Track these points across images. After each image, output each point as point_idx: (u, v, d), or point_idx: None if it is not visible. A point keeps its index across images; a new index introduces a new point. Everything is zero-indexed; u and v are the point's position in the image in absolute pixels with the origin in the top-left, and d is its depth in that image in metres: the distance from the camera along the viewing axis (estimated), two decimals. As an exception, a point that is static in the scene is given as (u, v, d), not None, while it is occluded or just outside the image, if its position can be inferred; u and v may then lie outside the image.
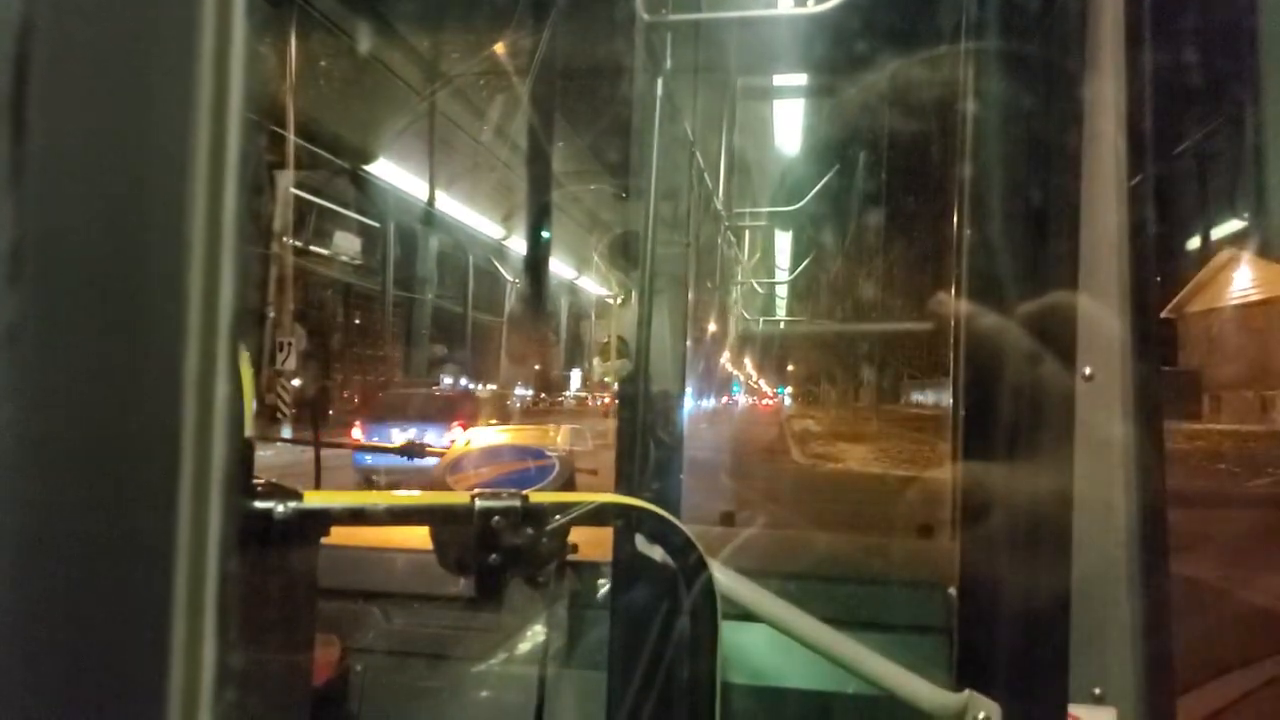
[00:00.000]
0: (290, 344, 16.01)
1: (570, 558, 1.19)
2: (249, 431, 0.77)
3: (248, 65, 0.27)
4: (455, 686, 1.29)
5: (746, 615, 1.18)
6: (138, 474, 0.26)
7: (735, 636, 1.16)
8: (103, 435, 0.25)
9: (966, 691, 0.87)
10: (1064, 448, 0.89)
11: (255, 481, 0.79)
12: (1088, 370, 0.89)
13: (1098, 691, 0.90)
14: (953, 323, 1.46)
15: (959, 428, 0.96)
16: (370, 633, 1.33)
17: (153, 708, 0.26)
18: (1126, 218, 0.87)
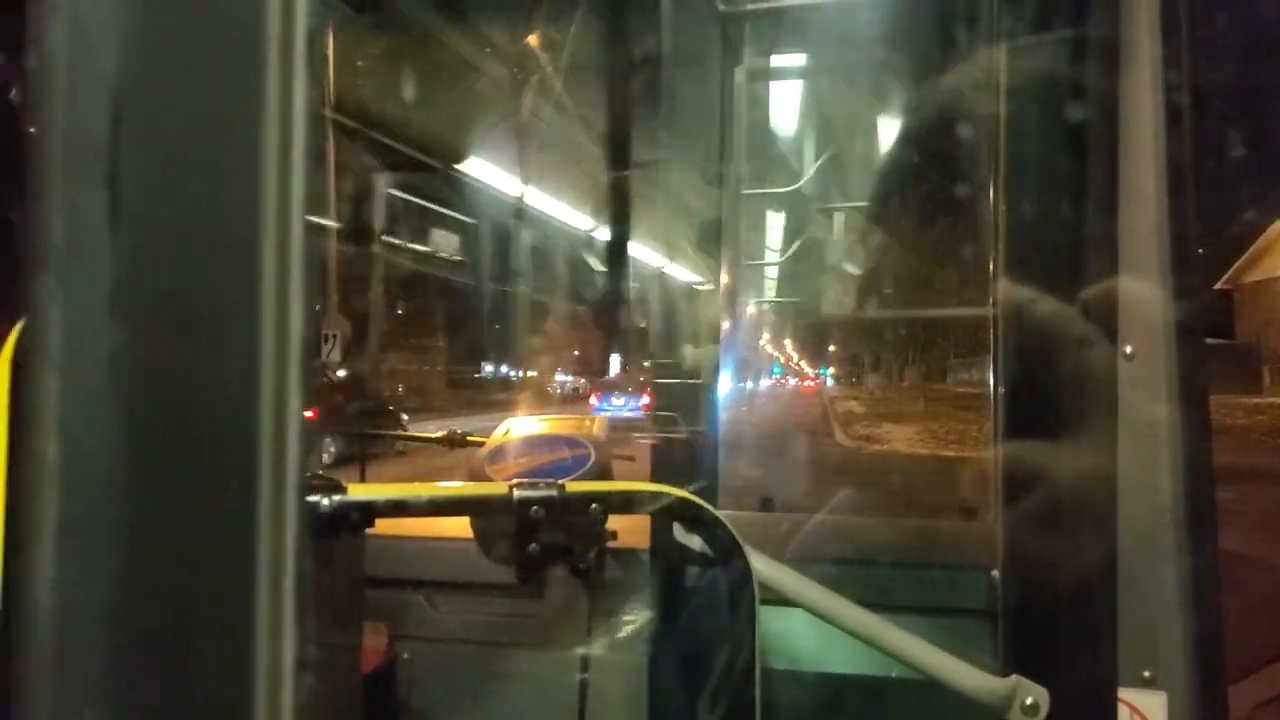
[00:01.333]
0: (335, 336, 16.22)
1: (610, 545, 1.20)
2: None
3: (311, 111, 0.31)
4: (499, 673, 1.31)
5: (785, 601, 1.18)
6: (221, 477, 0.29)
7: (774, 622, 1.17)
8: (193, 442, 0.29)
9: (1014, 677, 0.86)
10: (1107, 428, 0.88)
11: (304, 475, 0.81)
12: (1129, 349, 0.89)
13: (1147, 675, 0.89)
14: (992, 304, 1.49)
15: (1000, 409, 0.94)
16: (416, 621, 1.35)
17: (240, 690, 0.30)
18: (1166, 192, 0.86)
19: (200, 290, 0.29)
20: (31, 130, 0.27)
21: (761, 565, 0.98)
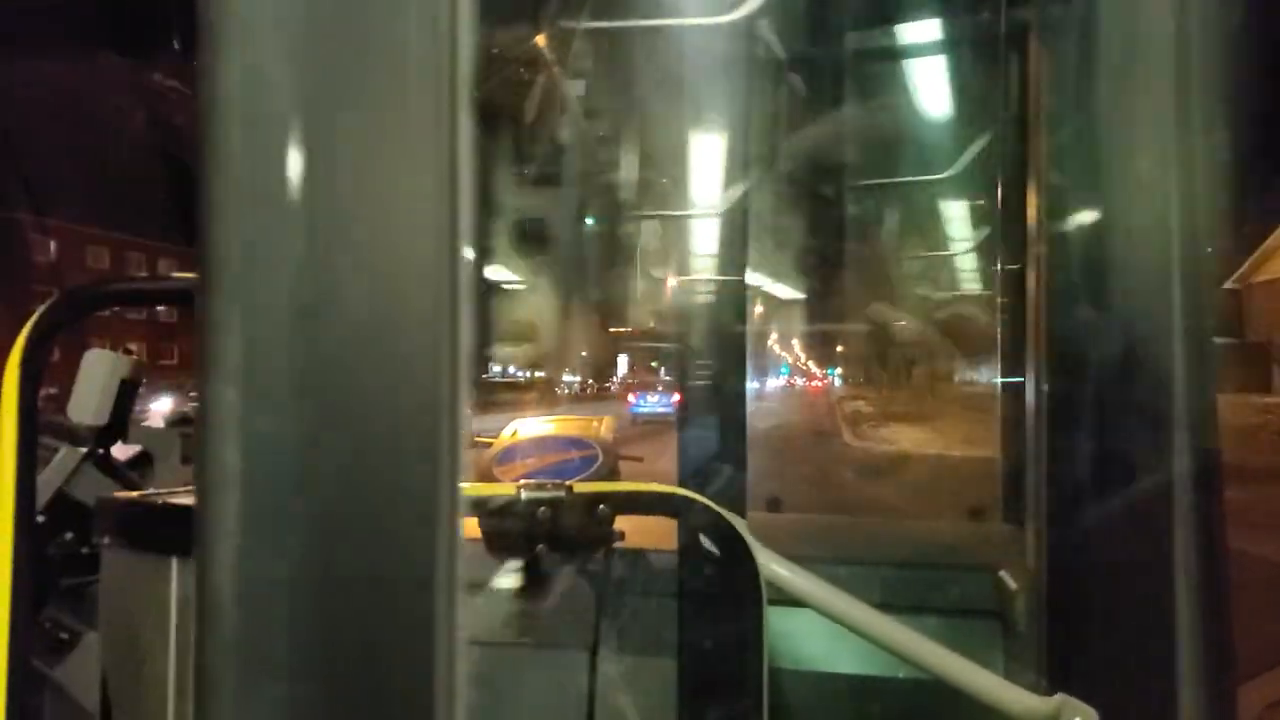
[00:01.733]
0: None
1: (617, 545, 1.23)
2: None
3: (469, 132, 0.33)
4: (507, 673, 1.32)
5: (793, 601, 1.21)
6: (396, 481, 0.31)
7: (782, 622, 1.18)
8: (368, 448, 0.30)
9: (1059, 696, 0.83)
10: (1155, 429, 0.84)
11: None
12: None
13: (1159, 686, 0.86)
14: (1000, 308, 1.48)
15: (1039, 414, 0.93)
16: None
17: (423, 684, 0.32)
18: (1175, 191, 0.84)
19: (374, 304, 0.30)
20: (195, 148, 0.29)
21: (769, 565, 0.98)
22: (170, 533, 0.85)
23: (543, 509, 0.89)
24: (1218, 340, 0.87)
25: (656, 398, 26.23)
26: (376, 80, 0.30)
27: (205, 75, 0.29)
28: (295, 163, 0.28)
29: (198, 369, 0.29)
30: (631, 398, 28.60)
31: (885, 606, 1.12)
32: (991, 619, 1.17)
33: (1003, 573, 1.16)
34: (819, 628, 1.21)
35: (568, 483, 0.92)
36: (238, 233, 0.29)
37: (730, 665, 1.01)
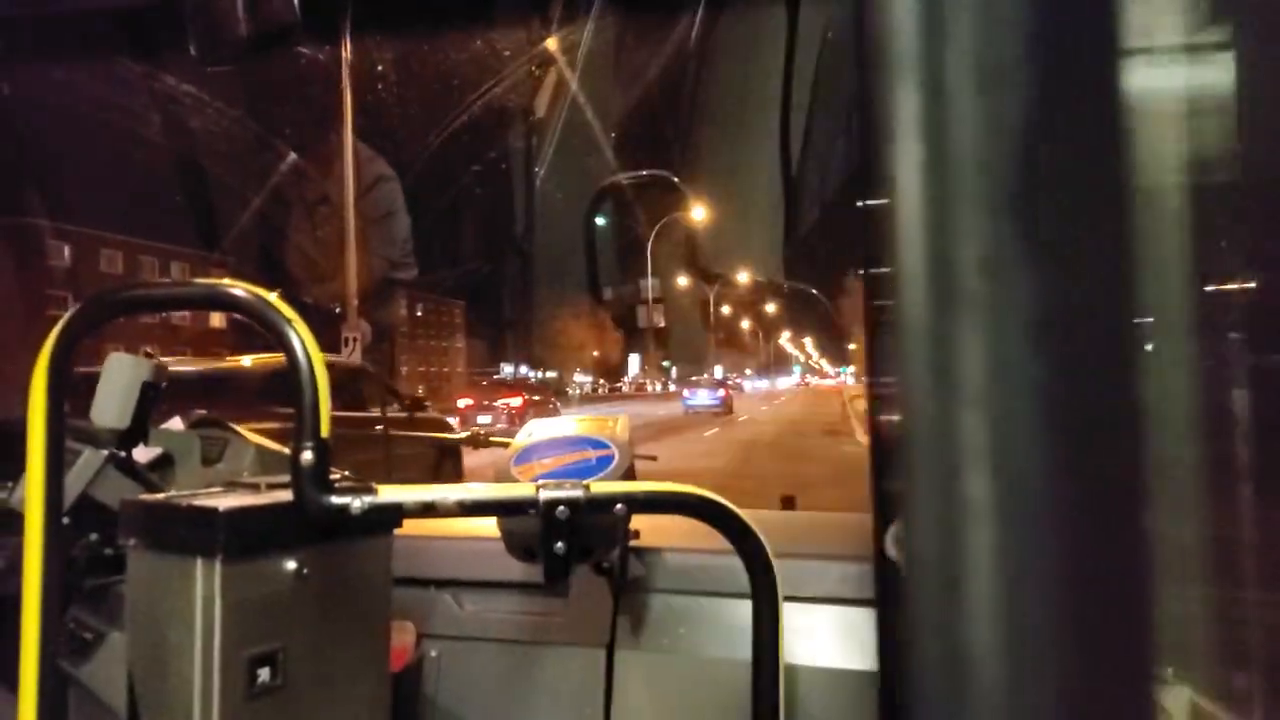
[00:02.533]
0: (355, 339, 16.35)
1: (633, 544, 1.23)
2: (324, 432, 0.83)
3: None
4: (525, 671, 1.33)
5: (813, 597, 1.21)
6: (1141, 498, 0.28)
7: (797, 619, 1.19)
8: (1119, 470, 0.28)
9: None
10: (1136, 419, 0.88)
11: (333, 477, 0.84)
12: (1148, 345, 0.90)
13: (1170, 671, 0.89)
14: None
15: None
16: (443, 619, 1.37)
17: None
18: (1186, 186, 0.86)
19: (1116, 317, 0.29)
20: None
21: (785, 563, 0.99)
22: (195, 534, 0.86)
23: (561, 508, 0.89)
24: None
25: (706, 394, 30.74)
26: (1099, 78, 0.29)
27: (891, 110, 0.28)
28: (1029, 169, 0.27)
29: (901, 382, 0.28)
30: (686, 393, 33.05)
31: (895, 601, 1.14)
32: None
33: None
34: (833, 624, 1.23)
35: (586, 482, 0.92)
36: (975, 242, 0.27)
37: (747, 662, 1.02)
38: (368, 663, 1.01)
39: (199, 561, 0.85)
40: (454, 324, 66.11)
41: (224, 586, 0.85)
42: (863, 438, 18.76)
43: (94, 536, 1.07)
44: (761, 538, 0.97)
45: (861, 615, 1.23)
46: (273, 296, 0.86)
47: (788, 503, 2.11)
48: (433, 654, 1.34)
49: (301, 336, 0.83)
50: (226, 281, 0.87)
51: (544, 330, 64.25)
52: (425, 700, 1.33)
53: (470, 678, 1.34)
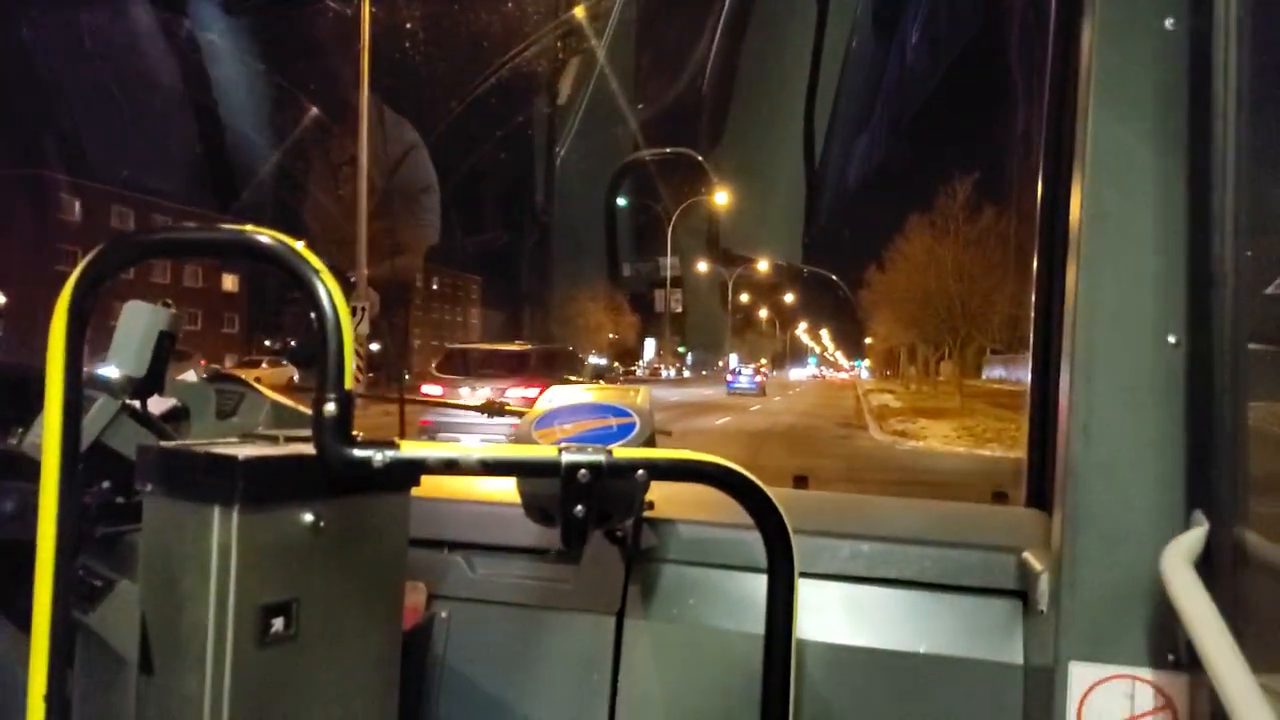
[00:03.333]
0: (364, 309, 16.27)
1: (647, 514, 1.25)
2: (350, 385, 0.82)
3: None
4: (535, 634, 1.33)
5: (824, 574, 1.23)
6: None
7: (810, 594, 1.22)
8: None
9: None
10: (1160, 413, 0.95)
11: (355, 433, 0.84)
12: (1172, 338, 0.95)
13: (1172, 658, 0.94)
14: (1035, 299, 1.52)
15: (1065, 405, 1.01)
16: (455, 581, 1.37)
17: None
18: (1222, 190, 0.88)
19: None
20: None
21: (801, 539, 1.00)
22: (214, 481, 0.86)
23: (583, 471, 0.89)
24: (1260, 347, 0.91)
25: (746, 380, 38.70)
26: None
27: None
28: None
29: None
30: (729, 377, 40.66)
31: (909, 582, 1.21)
32: (1014, 598, 1.19)
33: (1027, 554, 1.16)
34: (844, 601, 1.24)
35: (609, 447, 0.92)
36: None
37: (759, 635, 1.03)
38: (380, 619, 1.01)
39: (216, 509, 0.85)
40: (469, 298, 66.14)
41: (240, 535, 0.85)
42: (878, 433, 18.62)
43: (106, 484, 1.07)
44: (782, 511, 0.97)
45: (869, 593, 1.24)
46: (300, 245, 0.84)
47: (800, 482, 2.15)
48: (443, 615, 1.35)
49: (329, 287, 0.82)
50: (253, 228, 0.86)
51: (561, 310, 64.18)
52: (434, 660, 1.34)
53: (480, 640, 1.35)
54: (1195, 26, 0.94)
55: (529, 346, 15.68)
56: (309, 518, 0.90)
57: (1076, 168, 1.00)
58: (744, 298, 76.70)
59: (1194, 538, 0.89)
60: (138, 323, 1.13)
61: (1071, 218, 1.01)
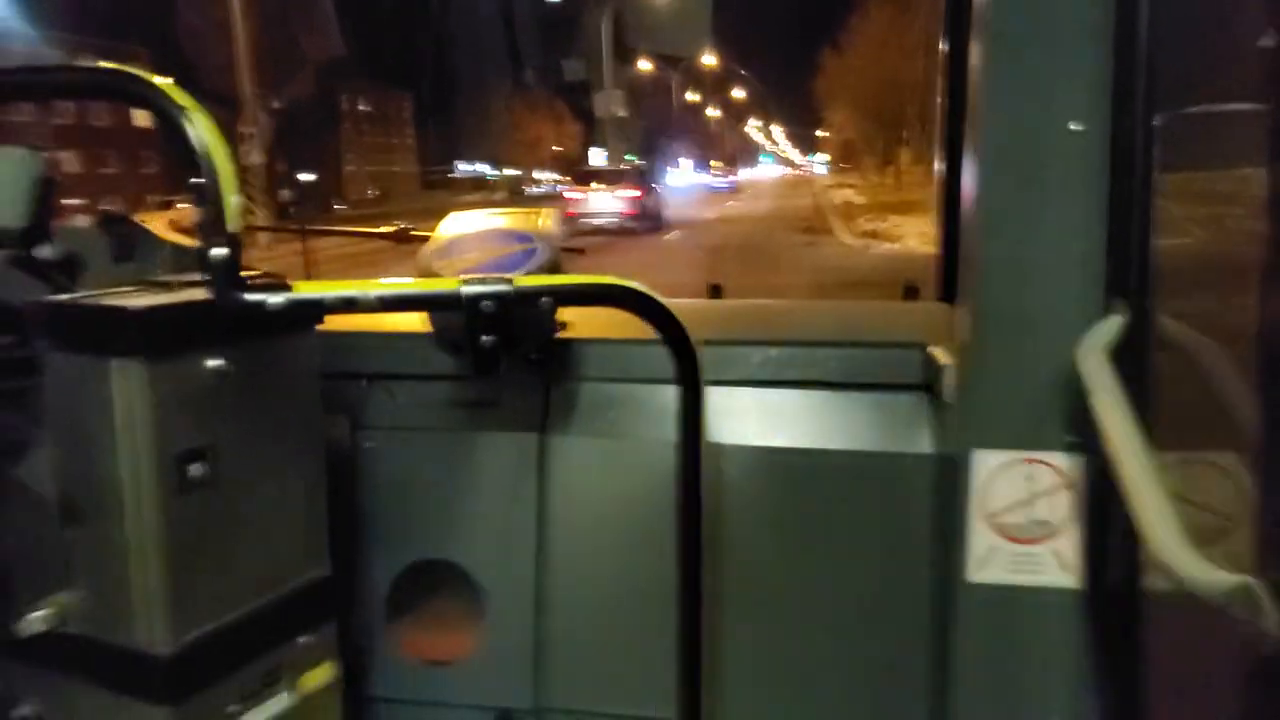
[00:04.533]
0: (252, 134, 13.97)
1: (561, 335, 1.28)
2: (235, 227, 0.80)
3: None
4: (460, 458, 1.33)
5: (735, 380, 1.27)
6: None
7: (724, 401, 1.24)
8: None
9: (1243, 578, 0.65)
10: None
11: (246, 274, 0.84)
12: (1075, 125, 0.94)
13: (1070, 440, 1.00)
14: None
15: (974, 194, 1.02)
16: (376, 411, 1.35)
17: None
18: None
19: None
20: None
21: (709, 349, 1.02)
22: (109, 335, 0.86)
23: (486, 302, 0.89)
24: None
25: (723, 180, 47.41)
26: None
27: None
28: None
29: None
30: (708, 177, 48.63)
31: (818, 383, 1.25)
32: (922, 392, 1.21)
33: (933, 348, 1.17)
34: (757, 405, 1.27)
35: (510, 275, 0.92)
36: None
37: (673, 443, 1.03)
38: (301, 455, 1.04)
39: (114, 362, 0.85)
40: (402, 118, 61.98)
41: (143, 386, 0.85)
42: (847, 236, 16.76)
43: (8, 338, 1.01)
44: (684, 324, 0.98)
45: (780, 395, 1.26)
46: (167, 82, 0.81)
47: (715, 291, 2.08)
48: (368, 445, 1.34)
49: (200, 125, 0.79)
50: (111, 65, 0.82)
51: (498, 124, 60.58)
52: (364, 488, 1.33)
53: (406, 465, 1.34)
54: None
55: (620, 167, 21.08)
56: (212, 363, 0.90)
57: None
58: (691, 97, 73.08)
59: (1111, 325, 0.91)
60: (8, 170, 1.09)
61: (975, 5, 0.99)
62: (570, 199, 18.27)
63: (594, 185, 18.64)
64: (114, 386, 0.84)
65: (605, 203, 18.03)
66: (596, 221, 17.08)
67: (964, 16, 1.38)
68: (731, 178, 49.05)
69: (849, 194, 28.80)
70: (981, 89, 0.97)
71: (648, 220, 18.61)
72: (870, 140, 38.95)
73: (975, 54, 0.99)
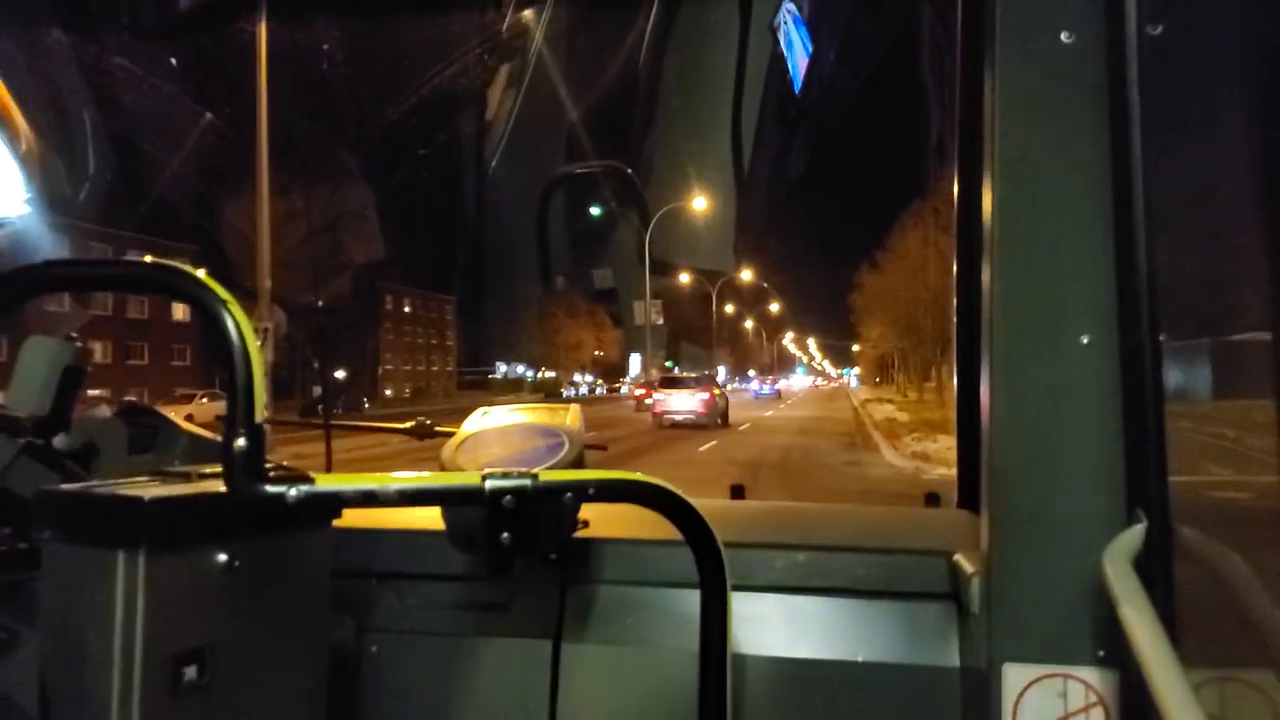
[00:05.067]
0: (267, 330, 13.52)
1: (580, 534, 1.22)
2: (261, 417, 0.79)
3: None
4: (469, 664, 1.28)
5: (759, 586, 1.23)
6: None
7: (745, 607, 1.21)
8: None
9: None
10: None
11: (267, 465, 0.82)
12: (1085, 338, 0.96)
13: (1102, 654, 0.95)
14: (957, 304, 1.58)
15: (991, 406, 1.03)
16: (384, 613, 1.31)
17: None
18: (1127, 190, 0.93)
19: None
20: None
21: (734, 553, 1.01)
22: (116, 525, 0.85)
23: (508, 498, 0.87)
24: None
25: (767, 388, 48.50)
26: None
27: None
28: None
29: None
30: (755, 385, 50.35)
31: (844, 590, 1.21)
32: (948, 601, 1.19)
33: (958, 556, 1.14)
34: (780, 612, 1.23)
35: (533, 470, 0.89)
36: None
37: (695, 651, 1.00)
38: (302, 659, 1.01)
39: (120, 554, 0.83)
40: (444, 320, 63.42)
41: (147, 580, 0.83)
42: (893, 455, 15.51)
43: (7, 530, 1.03)
44: (710, 525, 0.97)
45: (805, 603, 1.24)
46: (202, 274, 0.81)
47: (737, 492, 2.10)
48: (373, 649, 1.30)
49: (235, 318, 0.80)
50: (150, 259, 0.82)
51: (541, 328, 61.71)
52: (365, 696, 1.28)
53: (411, 672, 1.31)
54: (1092, 38, 0.97)
55: (696, 375, 26.67)
56: (222, 558, 0.89)
57: (987, 173, 1.02)
58: (729, 309, 74.57)
59: (1134, 535, 0.91)
60: (38, 358, 1.11)
61: (984, 222, 1.02)
62: (657, 399, 23.44)
63: (675, 389, 24.07)
64: (118, 580, 0.81)
65: (684, 402, 22.78)
66: (677, 417, 22.16)
67: (975, 233, 1.43)
68: (774, 385, 53.01)
69: (889, 409, 27.71)
70: (994, 300, 0.99)
71: (716, 417, 22.93)
72: (906, 356, 38.77)
73: (985, 275, 1.01)
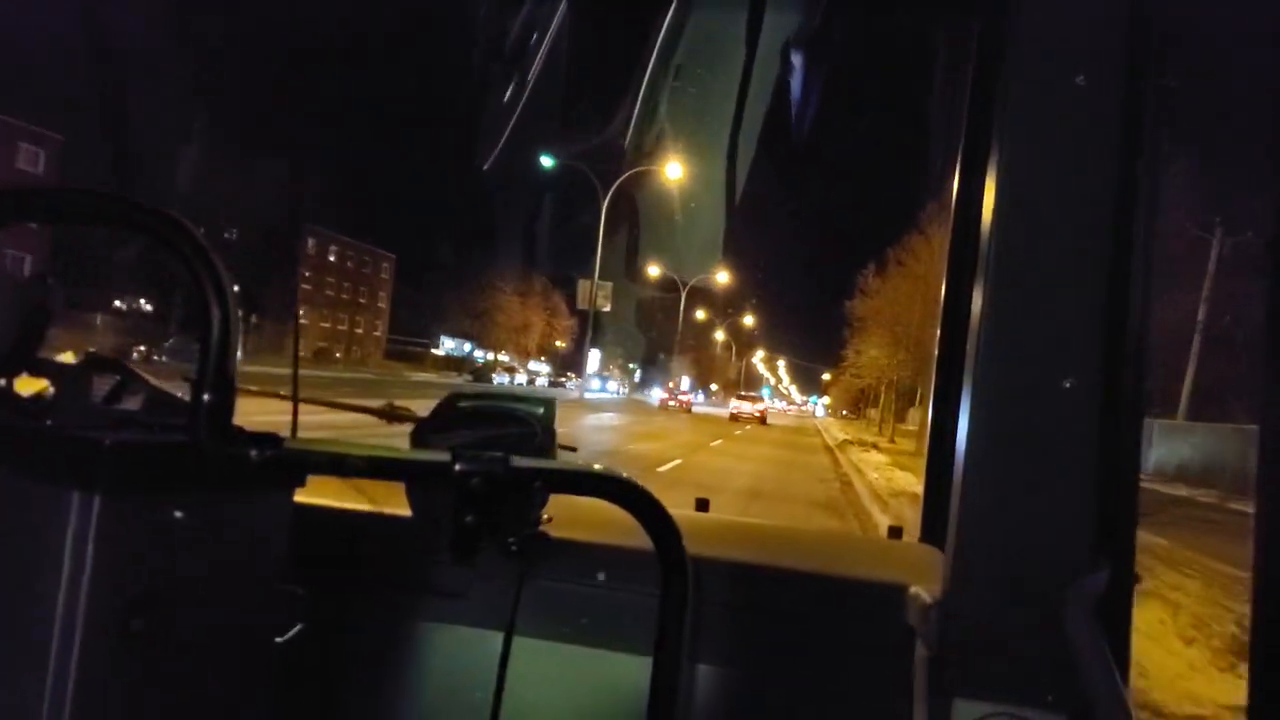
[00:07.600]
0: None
1: (543, 528, 1.23)
2: (232, 375, 0.82)
3: None
4: (418, 648, 1.35)
5: (716, 600, 1.28)
6: None
7: (702, 619, 1.27)
8: None
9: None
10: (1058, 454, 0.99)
11: (235, 425, 0.84)
12: (1068, 383, 0.97)
13: (1051, 698, 0.97)
14: (940, 341, 1.68)
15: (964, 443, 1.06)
16: (337, 590, 1.31)
17: None
18: (1125, 239, 0.98)
19: None
20: None
21: (700, 559, 1.08)
22: (74, 466, 0.83)
23: (476, 479, 0.90)
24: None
25: (748, 406, 46.56)
26: None
27: None
28: None
29: None
30: (733, 403, 48.82)
31: (799, 613, 1.27)
32: (903, 633, 1.22)
33: (915, 589, 1.17)
34: (736, 626, 1.30)
35: (505, 455, 0.93)
36: None
37: (651, 651, 1.03)
38: (251, 625, 1.00)
39: (75, 495, 0.82)
40: (379, 279, 59.22)
41: (100, 525, 0.82)
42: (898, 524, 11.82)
43: None
44: (679, 530, 1.00)
45: (762, 622, 1.29)
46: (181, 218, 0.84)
47: (702, 505, 2.10)
48: (325, 624, 1.28)
49: (219, 268, 0.81)
50: (141, 203, 0.83)
51: (486, 303, 57.77)
52: (309, 671, 1.25)
53: (359, 653, 1.36)
54: (1106, 82, 0.99)
55: (754, 393, 58.93)
56: (179, 513, 0.88)
57: (988, 209, 1.03)
58: (699, 315, 71.31)
59: (1097, 582, 0.95)
60: (3, 295, 1.10)
61: (981, 257, 1.05)
62: (734, 405, 44.68)
63: (744, 400, 45.68)
64: (71, 520, 0.80)
65: (748, 407, 44.13)
66: (743, 416, 41.62)
67: (964, 271, 1.51)
68: (760, 405, 47.70)
69: (878, 459, 23.33)
70: (983, 336, 1.01)
71: (763, 419, 42.27)
72: (876, 394, 38.46)
73: (977, 305, 1.04)
